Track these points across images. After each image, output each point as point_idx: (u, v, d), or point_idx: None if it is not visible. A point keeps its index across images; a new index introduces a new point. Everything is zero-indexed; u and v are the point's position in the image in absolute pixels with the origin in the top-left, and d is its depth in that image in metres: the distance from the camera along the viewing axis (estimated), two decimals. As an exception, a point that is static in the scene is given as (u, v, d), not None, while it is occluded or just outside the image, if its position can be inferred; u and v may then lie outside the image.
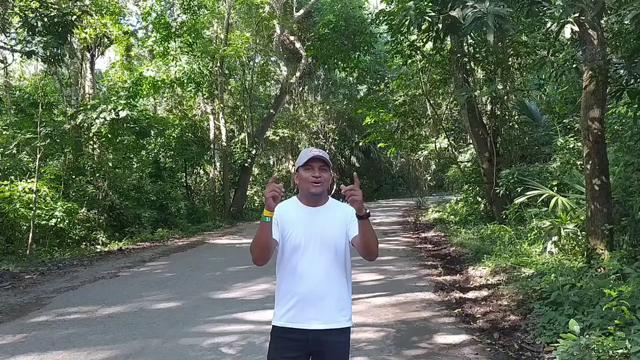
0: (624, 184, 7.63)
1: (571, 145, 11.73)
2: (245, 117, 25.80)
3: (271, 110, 24.94)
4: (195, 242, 14.03)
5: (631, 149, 7.46)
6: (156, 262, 10.62)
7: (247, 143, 24.03)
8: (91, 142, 15.73)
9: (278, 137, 29.70)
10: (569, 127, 13.36)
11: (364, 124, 22.03)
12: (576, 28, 5.18)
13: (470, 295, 6.65)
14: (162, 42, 19.10)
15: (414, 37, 15.47)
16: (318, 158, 2.51)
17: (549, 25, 5.81)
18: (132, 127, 14.86)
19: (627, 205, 7.43)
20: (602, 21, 6.98)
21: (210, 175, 23.50)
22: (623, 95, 6.16)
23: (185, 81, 19.11)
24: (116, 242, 13.73)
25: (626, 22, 7.72)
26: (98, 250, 12.66)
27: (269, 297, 6.79)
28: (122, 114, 13.82)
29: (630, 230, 6.40)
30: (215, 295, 7.11)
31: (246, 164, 22.91)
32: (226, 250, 12.50)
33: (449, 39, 13.74)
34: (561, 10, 5.14)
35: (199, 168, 23.39)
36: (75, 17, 10.98)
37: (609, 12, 6.80)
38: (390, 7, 13.69)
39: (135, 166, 18.47)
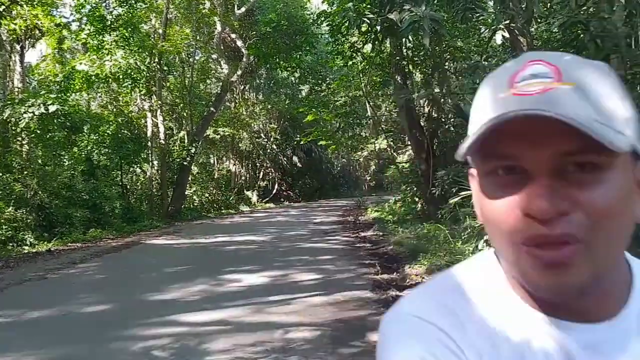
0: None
1: (503, 148, 12.20)
2: (185, 114, 25.30)
3: (211, 109, 24.58)
4: (130, 243, 13.61)
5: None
6: (88, 263, 10.22)
7: (186, 141, 23.57)
8: (19, 138, 14.98)
9: (219, 136, 29.26)
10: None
11: (305, 121, 22.12)
12: (507, 34, 5.40)
13: (407, 293, 6.79)
14: (97, 36, 18.44)
15: (354, 39, 15.70)
16: (550, 119, 0.52)
17: (482, 31, 6.02)
18: (63, 123, 14.26)
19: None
20: (532, 29, 7.31)
21: (148, 174, 22.88)
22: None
23: (121, 76, 18.53)
24: (45, 243, 13.10)
25: (554, 30, 8.12)
26: (25, 251, 12.05)
27: (207, 298, 6.70)
28: (52, 108, 13.25)
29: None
30: (149, 297, 6.91)
31: (185, 163, 22.48)
32: (163, 251, 12.20)
33: (388, 41, 14.04)
34: (493, 17, 5.34)
35: (135, 166, 22.70)
36: (3, 7, 10.42)
37: (539, 20, 7.12)
38: (331, 8, 13.82)
39: (66, 164, 17.73)
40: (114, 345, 4.85)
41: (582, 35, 5.23)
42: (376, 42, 5.92)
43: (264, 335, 5.01)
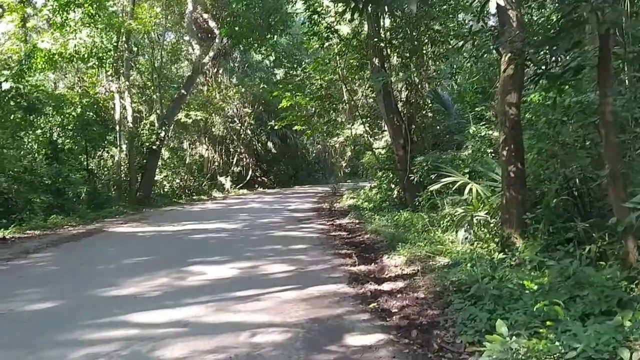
0: (537, 172, 7.59)
1: (482, 134, 11.81)
2: (155, 97, 24.36)
3: (182, 91, 23.68)
4: (93, 230, 12.84)
5: (545, 136, 7.40)
6: (42, 253, 9.46)
7: (156, 125, 22.69)
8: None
9: (191, 120, 28.35)
10: (479, 116, 13.52)
11: (279, 107, 21.49)
12: (502, 2, 4.89)
13: (386, 287, 6.28)
14: (61, 12, 17.37)
15: (331, 19, 15.09)
16: None
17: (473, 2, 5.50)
18: (19, 103, 13.30)
19: (539, 193, 7.38)
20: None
21: (115, 158, 21.96)
22: (541, 80, 5.98)
23: (87, 55, 17.53)
24: (2, 230, 12.24)
25: (533, 15, 7.68)
26: (-23, 239, 11.22)
27: (167, 294, 6.10)
28: (6, 85, 12.30)
29: (545, 219, 6.29)
30: (103, 292, 6.25)
31: (155, 147, 21.68)
32: (126, 239, 11.49)
33: (365, 25, 13.49)
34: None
35: (102, 150, 21.76)
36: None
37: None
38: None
39: (28, 146, 16.76)
40: (53, 352, 4.20)
41: (581, 6, 4.72)
42: (356, 12, 5.35)
43: (228, 338, 4.43)
